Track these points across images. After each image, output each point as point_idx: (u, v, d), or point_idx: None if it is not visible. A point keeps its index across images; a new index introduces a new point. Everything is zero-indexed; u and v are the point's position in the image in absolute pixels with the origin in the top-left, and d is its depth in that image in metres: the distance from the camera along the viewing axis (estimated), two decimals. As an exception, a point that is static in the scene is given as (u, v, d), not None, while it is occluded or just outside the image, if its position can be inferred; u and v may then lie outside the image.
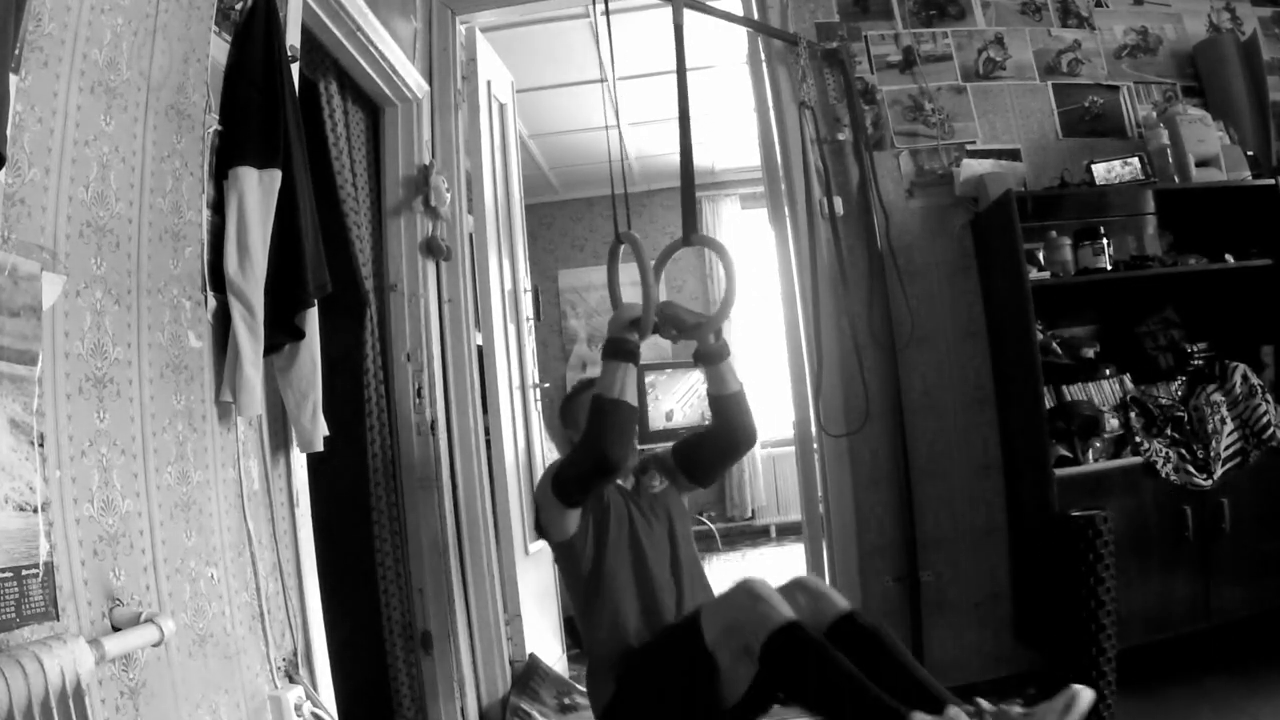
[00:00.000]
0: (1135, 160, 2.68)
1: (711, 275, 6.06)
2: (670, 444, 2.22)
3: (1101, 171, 2.66)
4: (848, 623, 1.73)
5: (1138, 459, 2.48)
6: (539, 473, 3.32)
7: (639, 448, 2.10)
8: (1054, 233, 2.66)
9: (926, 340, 2.76)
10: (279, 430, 1.76)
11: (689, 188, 2.06)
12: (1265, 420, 2.50)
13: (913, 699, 1.50)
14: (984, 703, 1.48)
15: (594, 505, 1.95)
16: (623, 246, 2.04)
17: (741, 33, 3.04)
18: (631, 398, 1.81)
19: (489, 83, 3.15)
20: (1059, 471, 2.41)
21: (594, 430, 1.79)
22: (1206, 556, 2.46)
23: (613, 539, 1.94)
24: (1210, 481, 2.46)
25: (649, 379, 5.29)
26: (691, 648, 1.70)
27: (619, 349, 1.83)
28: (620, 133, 1.80)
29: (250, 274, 1.53)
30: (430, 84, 2.86)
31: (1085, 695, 1.45)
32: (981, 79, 2.92)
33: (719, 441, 2.06)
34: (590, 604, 1.94)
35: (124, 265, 1.31)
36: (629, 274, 1.97)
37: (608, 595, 1.91)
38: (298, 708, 1.57)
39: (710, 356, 1.98)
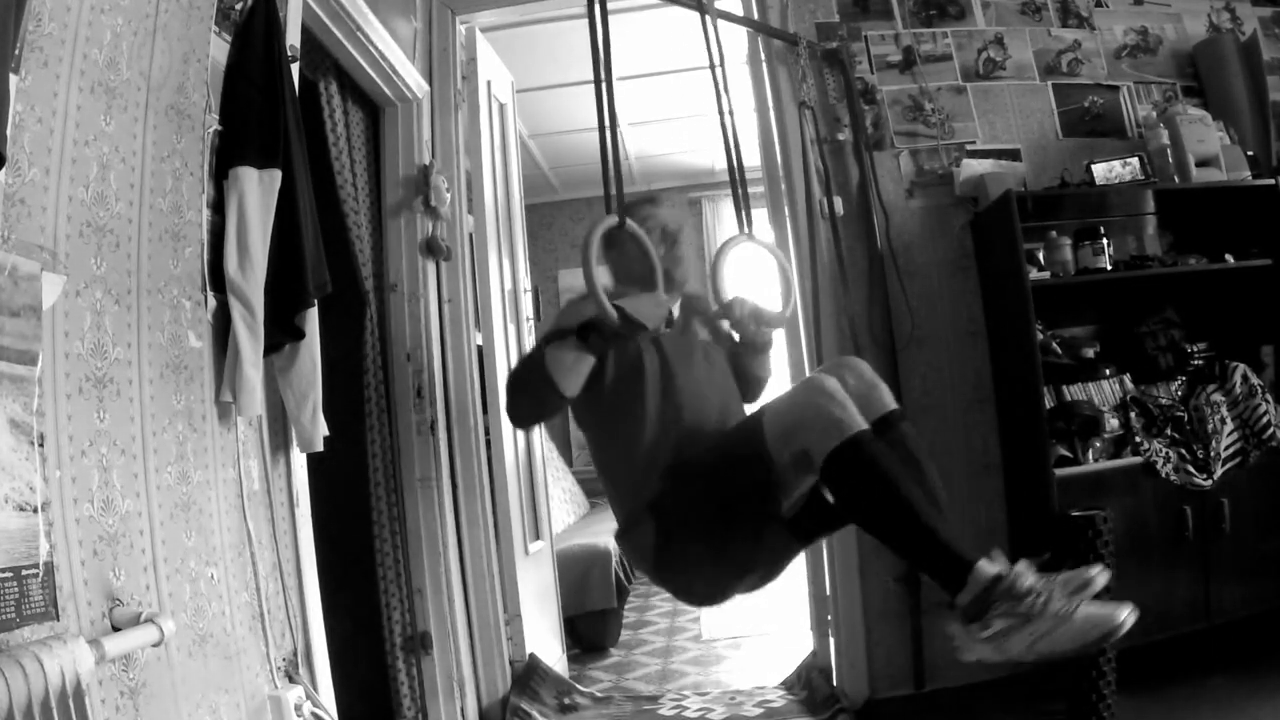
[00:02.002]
0: (1135, 160, 2.68)
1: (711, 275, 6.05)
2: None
3: (1101, 171, 2.66)
4: (891, 426, 1.62)
5: (1138, 459, 2.48)
6: (539, 473, 3.33)
7: (692, 294, 1.99)
8: (1054, 233, 2.66)
9: (926, 340, 2.76)
10: (279, 430, 1.76)
11: (741, 182, 2.05)
12: (1265, 420, 2.51)
13: None
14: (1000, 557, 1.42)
15: (621, 352, 1.80)
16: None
17: (741, 33, 3.04)
18: (568, 385, 1.65)
19: (489, 83, 3.15)
20: (1059, 471, 2.41)
21: (520, 391, 1.72)
22: (1206, 556, 2.46)
23: (648, 383, 1.79)
24: (1210, 481, 2.46)
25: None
26: (750, 450, 1.55)
27: (587, 333, 1.63)
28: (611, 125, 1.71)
29: (250, 274, 1.53)
30: (430, 84, 2.86)
31: (1101, 578, 1.38)
32: (981, 79, 2.92)
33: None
34: (618, 451, 1.79)
35: (124, 265, 1.31)
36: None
37: (640, 438, 1.75)
38: (298, 708, 1.57)
39: (764, 348, 1.96)
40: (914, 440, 1.65)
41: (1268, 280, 2.59)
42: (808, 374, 1.86)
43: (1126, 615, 1.30)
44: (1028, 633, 1.32)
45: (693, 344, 1.95)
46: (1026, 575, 1.36)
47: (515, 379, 1.77)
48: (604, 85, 1.66)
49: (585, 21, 1.73)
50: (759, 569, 1.76)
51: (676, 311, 1.73)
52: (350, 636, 2.37)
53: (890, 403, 1.66)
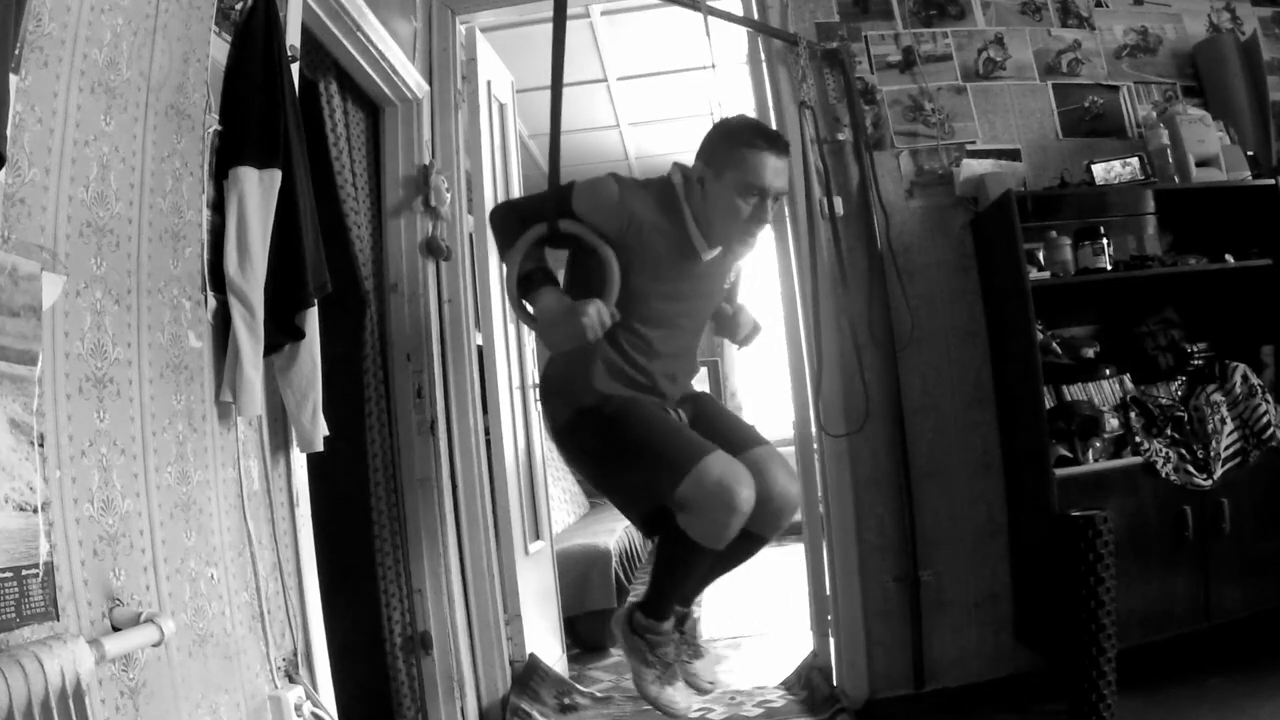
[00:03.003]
0: (1135, 160, 2.68)
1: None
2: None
3: (1101, 171, 2.66)
4: (752, 543, 1.88)
5: (1138, 459, 2.48)
6: (539, 473, 3.33)
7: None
8: (1054, 233, 2.66)
9: (926, 340, 2.76)
10: (279, 430, 1.76)
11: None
12: (1265, 420, 2.50)
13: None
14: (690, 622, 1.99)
15: (635, 236, 1.79)
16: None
17: (741, 33, 3.04)
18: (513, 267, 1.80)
19: (489, 83, 3.15)
20: (1059, 471, 2.41)
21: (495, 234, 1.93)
22: (1206, 556, 2.46)
23: (640, 303, 1.82)
24: (1210, 481, 2.45)
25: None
26: (670, 472, 1.70)
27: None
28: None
29: (250, 274, 1.53)
30: (430, 84, 2.86)
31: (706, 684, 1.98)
32: (981, 79, 2.92)
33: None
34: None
35: (124, 265, 1.31)
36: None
37: (611, 338, 1.79)
38: (298, 708, 1.57)
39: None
40: (749, 557, 1.97)
41: (1268, 280, 2.59)
42: (775, 446, 1.97)
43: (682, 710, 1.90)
44: (635, 665, 1.92)
45: (701, 281, 1.93)
46: (666, 648, 1.89)
47: (497, 230, 1.93)
48: (557, 67, 1.70)
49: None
50: None
51: (604, 321, 1.71)
52: (350, 636, 2.37)
53: (770, 537, 1.93)
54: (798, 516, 3.12)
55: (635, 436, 1.79)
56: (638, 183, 1.87)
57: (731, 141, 1.81)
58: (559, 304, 1.74)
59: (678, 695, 1.90)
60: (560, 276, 1.87)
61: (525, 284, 1.79)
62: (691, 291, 1.92)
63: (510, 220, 1.88)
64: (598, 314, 1.68)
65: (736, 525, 1.68)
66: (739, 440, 1.86)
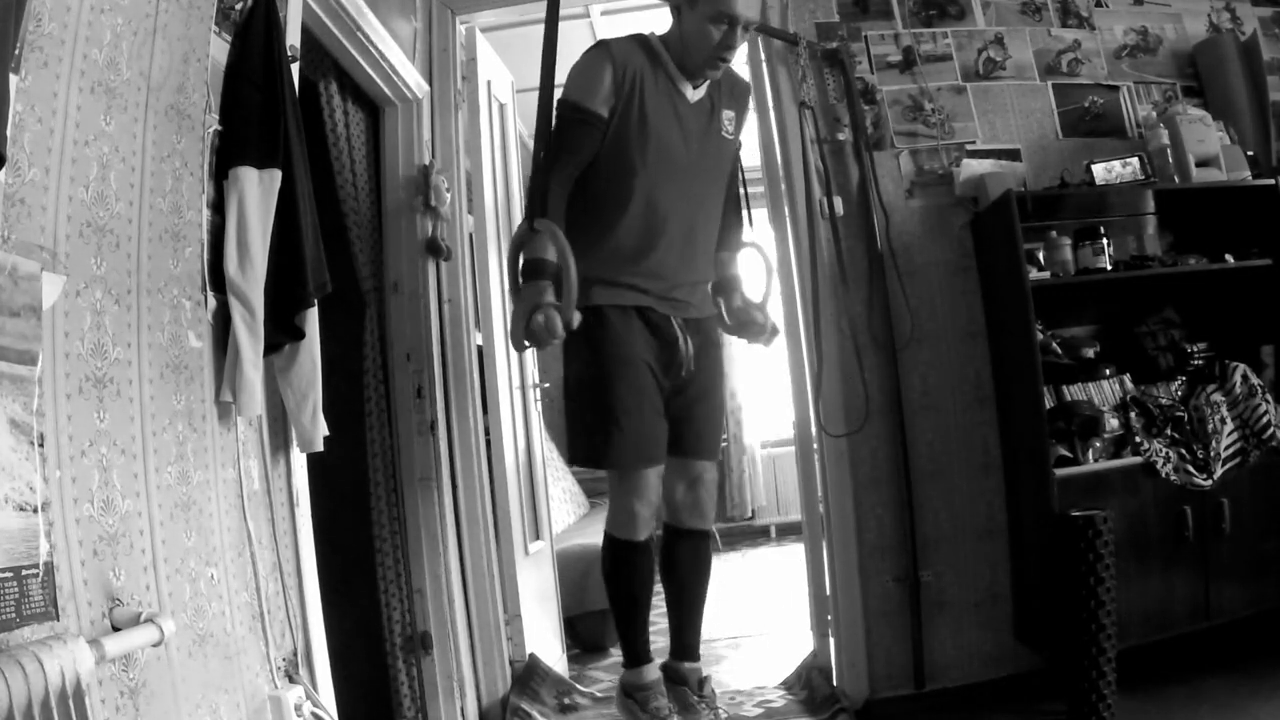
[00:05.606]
0: (1135, 160, 2.68)
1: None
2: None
3: (1101, 171, 2.66)
4: (687, 537, 1.94)
5: (1138, 459, 2.48)
6: (539, 473, 3.33)
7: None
8: (1054, 233, 2.66)
9: (926, 340, 2.76)
10: (279, 430, 1.76)
11: (741, 182, 2.16)
12: (1265, 420, 2.50)
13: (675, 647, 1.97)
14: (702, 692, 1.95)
15: (627, 99, 1.84)
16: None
17: (741, 33, 3.04)
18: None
19: (489, 83, 3.15)
20: (1059, 471, 2.41)
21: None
22: (1206, 556, 2.46)
23: (651, 151, 1.86)
24: (1210, 481, 2.46)
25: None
26: (601, 452, 1.86)
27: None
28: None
29: (250, 274, 1.53)
30: (430, 84, 2.86)
31: None
32: (981, 79, 2.92)
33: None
34: (582, 212, 1.84)
35: (124, 265, 1.31)
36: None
37: (607, 212, 1.82)
38: (298, 708, 1.57)
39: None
40: (698, 564, 2.03)
41: (1268, 280, 2.59)
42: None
43: None
44: None
45: (704, 141, 1.97)
46: (657, 703, 1.84)
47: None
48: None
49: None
50: None
51: (554, 330, 1.70)
52: (350, 636, 2.37)
53: (696, 526, 1.99)
54: (798, 516, 3.15)
55: (596, 384, 1.84)
56: (624, 38, 1.95)
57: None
58: (527, 300, 1.75)
59: None
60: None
61: (531, 270, 1.79)
62: (697, 152, 1.94)
63: (543, 188, 1.81)
64: (546, 322, 1.69)
65: (640, 519, 1.81)
66: (696, 446, 1.93)
